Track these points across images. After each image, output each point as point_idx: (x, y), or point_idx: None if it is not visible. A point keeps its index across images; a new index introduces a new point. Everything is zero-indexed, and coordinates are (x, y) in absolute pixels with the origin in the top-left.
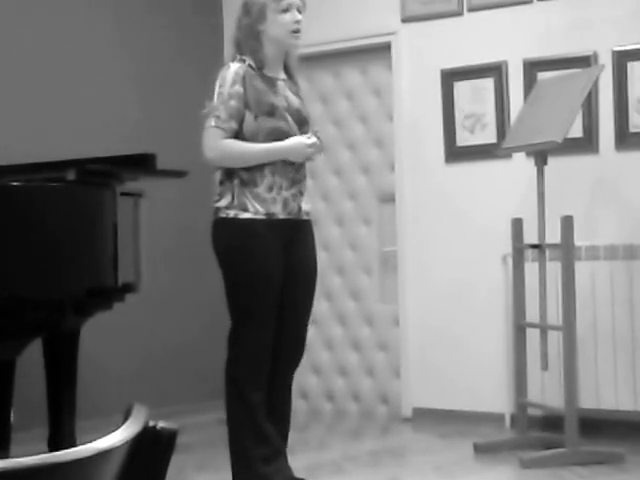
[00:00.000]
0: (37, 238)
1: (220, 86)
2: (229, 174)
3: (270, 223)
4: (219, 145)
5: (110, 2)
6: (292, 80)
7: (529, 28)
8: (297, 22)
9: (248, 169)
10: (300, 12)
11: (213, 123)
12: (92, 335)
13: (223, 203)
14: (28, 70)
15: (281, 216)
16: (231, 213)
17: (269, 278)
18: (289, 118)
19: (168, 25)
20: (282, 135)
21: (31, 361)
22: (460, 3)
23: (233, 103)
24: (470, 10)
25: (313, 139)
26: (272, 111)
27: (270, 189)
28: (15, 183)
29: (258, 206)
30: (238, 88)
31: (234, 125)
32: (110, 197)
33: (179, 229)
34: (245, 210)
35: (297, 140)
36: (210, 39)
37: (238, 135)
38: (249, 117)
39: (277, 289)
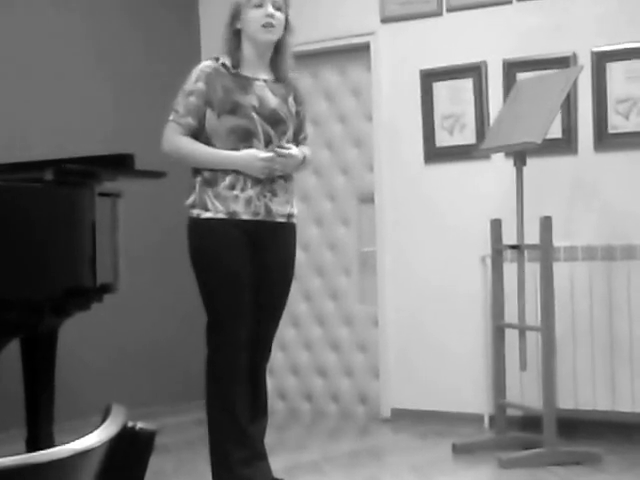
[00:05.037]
0: (14, 238)
1: (185, 83)
2: (195, 173)
3: (231, 223)
4: (174, 140)
5: (85, 1)
6: (282, 82)
7: (508, 29)
8: (269, 16)
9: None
10: (279, 9)
11: (171, 117)
12: (70, 336)
13: (189, 202)
14: (3, 71)
15: (244, 216)
16: (195, 212)
17: (234, 276)
18: (255, 117)
19: (144, 24)
20: (245, 134)
21: (9, 362)
22: (439, 3)
23: (192, 99)
24: (449, 10)
25: (268, 154)
26: (234, 109)
27: (232, 187)
28: None
29: (218, 204)
30: (200, 85)
31: (191, 121)
32: (88, 197)
33: (157, 229)
34: (206, 209)
35: (249, 153)
36: (187, 37)
37: (202, 132)
38: (212, 116)
39: (246, 286)
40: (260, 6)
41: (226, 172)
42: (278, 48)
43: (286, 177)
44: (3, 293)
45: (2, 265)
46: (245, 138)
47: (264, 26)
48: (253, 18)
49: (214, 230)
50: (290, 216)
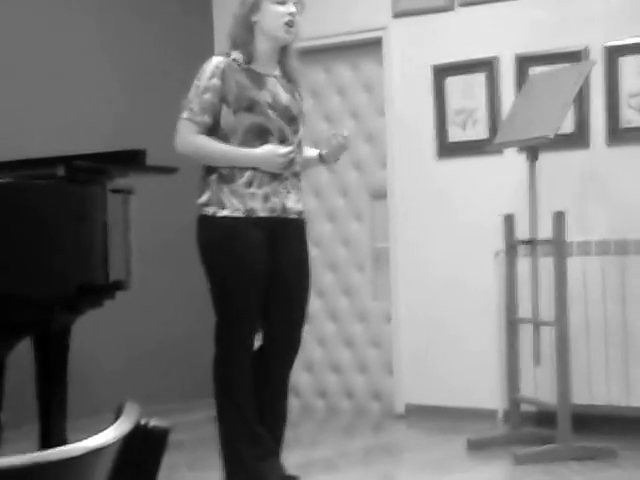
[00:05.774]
0: (26, 235)
1: (198, 79)
2: (209, 169)
3: (250, 221)
4: (190, 140)
5: None
6: (289, 80)
7: (521, 23)
8: (291, 14)
9: None
10: (297, 8)
11: (186, 115)
12: (83, 333)
13: (203, 199)
14: (12, 66)
15: (262, 213)
16: (210, 210)
17: (250, 276)
18: (271, 114)
19: (155, 18)
20: (262, 131)
21: (21, 359)
22: None
23: (207, 97)
24: (461, 5)
25: (288, 148)
26: (251, 106)
27: (249, 184)
28: (2, 180)
29: (236, 202)
30: (215, 82)
31: (207, 119)
32: (100, 194)
33: (169, 226)
34: (223, 207)
35: (269, 149)
36: (199, 31)
37: (216, 129)
38: (227, 112)
39: (260, 287)
40: (283, 3)
41: (243, 169)
42: (285, 50)
43: (297, 175)
44: (15, 291)
45: (14, 262)
46: (261, 135)
47: (287, 24)
48: (276, 14)
49: (231, 229)
50: (301, 213)
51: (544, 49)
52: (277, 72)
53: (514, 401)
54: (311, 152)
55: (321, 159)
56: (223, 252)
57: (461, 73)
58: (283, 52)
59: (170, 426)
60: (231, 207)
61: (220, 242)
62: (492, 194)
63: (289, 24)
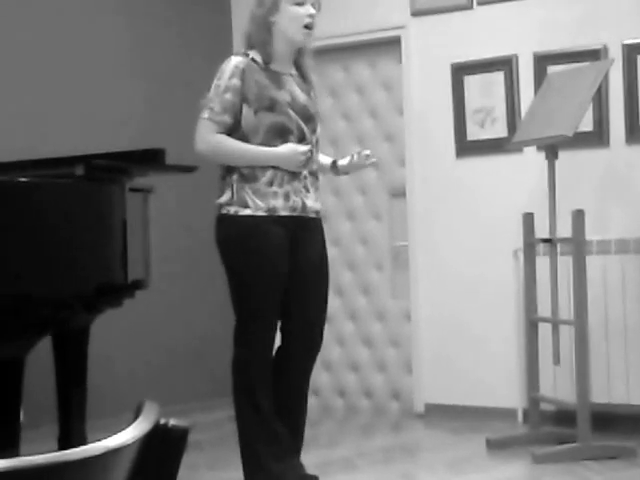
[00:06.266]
0: (45, 235)
1: (218, 79)
2: (229, 169)
3: (272, 220)
4: (211, 139)
5: None
6: (305, 79)
7: (539, 21)
8: (310, 16)
9: None
10: (315, 8)
11: (206, 115)
12: (102, 333)
13: (224, 199)
14: (35, 66)
15: (283, 212)
16: (231, 210)
17: (271, 276)
18: (292, 113)
19: (176, 19)
20: (283, 130)
21: (40, 359)
22: None
23: (228, 96)
24: (480, 4)
25: (307, 146)
26: (272, 106)
27: (270, 183)
28: (22, 179)
29: (258, 201)
30: (235, 81)
31: (227, 119)
32: (119, 193)
33: (189, 225)
34: (245, 206)
35: (290, 148)
36: (218, 33)
37: (236, 129)
38: (248, 112)
39: (280, 286)
40: (301, 4)
41: (265, 168)
42: (300, 50)
43: (315, 174)
44: (33, 290)
45: (32, 261)
46: (282, 134)
47: (306, 27)
48: (295, 15)
49: (253, 227)
50: (318, 212)
51: (563, 47)
52: (293, 71)
53: (533, 400)
54: (325, 159)
55: (334, 168)
56: (243, 251)
57: (480, 72)
58: (299, 52)
59: (189, 426)
60: (254, 206)
61: (241, 241)
62: (511, 193)
63: (308, 26)
